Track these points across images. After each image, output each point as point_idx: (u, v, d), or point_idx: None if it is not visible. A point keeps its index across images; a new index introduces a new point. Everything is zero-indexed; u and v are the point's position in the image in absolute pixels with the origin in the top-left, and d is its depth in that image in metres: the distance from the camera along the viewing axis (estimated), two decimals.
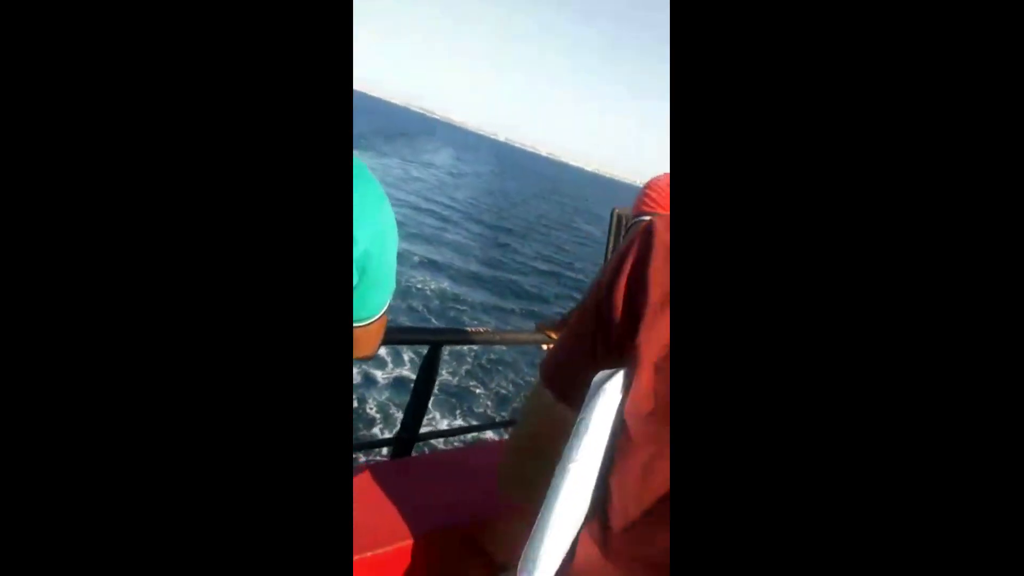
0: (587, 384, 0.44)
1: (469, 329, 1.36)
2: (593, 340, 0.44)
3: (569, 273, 12.73)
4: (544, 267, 12.71)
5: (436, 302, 7.89)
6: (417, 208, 14.06)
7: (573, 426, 0.43)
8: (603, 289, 0.43)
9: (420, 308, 7.39)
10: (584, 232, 21.76)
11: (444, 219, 14.21)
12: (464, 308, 8.08)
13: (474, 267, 10.38)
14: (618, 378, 0.39)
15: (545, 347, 1.48)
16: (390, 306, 0.76)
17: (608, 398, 0.39)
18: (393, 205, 0.72)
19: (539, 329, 1.51)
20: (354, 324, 0.72)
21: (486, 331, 1.38)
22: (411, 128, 55.39)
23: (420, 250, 9.82)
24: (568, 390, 0.47)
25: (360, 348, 0.78)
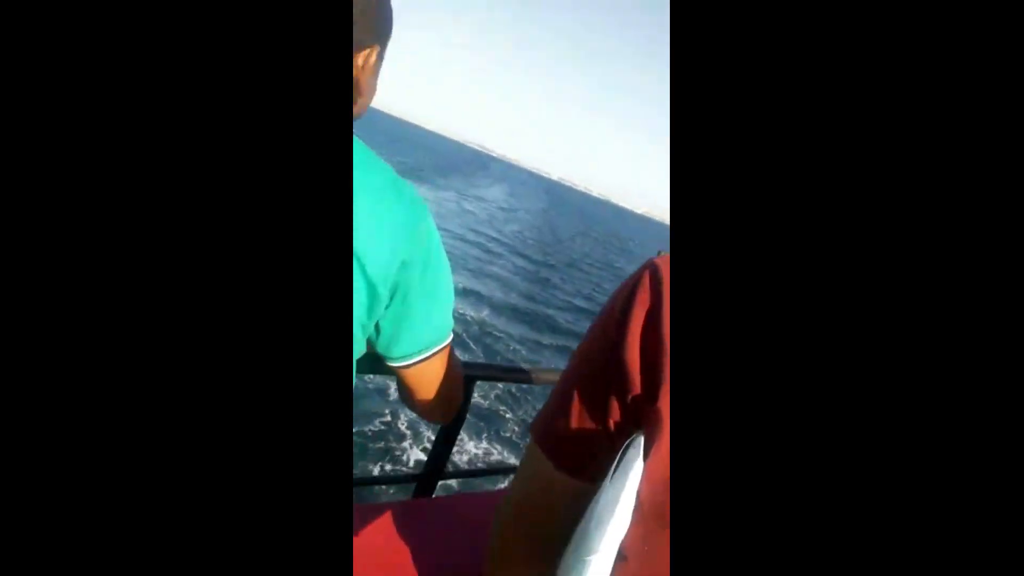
0: (594, 451, 0.37)
1: (503, 365, 1.30)
2: (604, 403, 0.37)
3: None
4: (582, 304, 12.57)
5: (475, 328, 7.90)
6: (465, 240, 14.31)
7: (573, 498, 0.36)
8: (611, 342, 0.36)
9: (460, 333, 7.42)
10: (626, 273, 21.41)
11: (490, 251, 14.37)
12: (500, 336, 8.05)
13: (514, 300, 10.38)
14: (639, 445, 0.33)
15: None
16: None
17: (636, 474, 0.33)
18: (444, 236, 0.62)
19: None
20: (400, 362, 0.60)
21: (520, 369, 1.32)
22: (467, 163, 57.06)
23: (464, 280, 9.94)
24: (570, 457, 0.39)
25: (420, 390, 0.63)
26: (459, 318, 7.90)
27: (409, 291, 0.57)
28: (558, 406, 0.41)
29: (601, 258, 24.40)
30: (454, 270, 0.64)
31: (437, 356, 0.62)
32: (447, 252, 0.63)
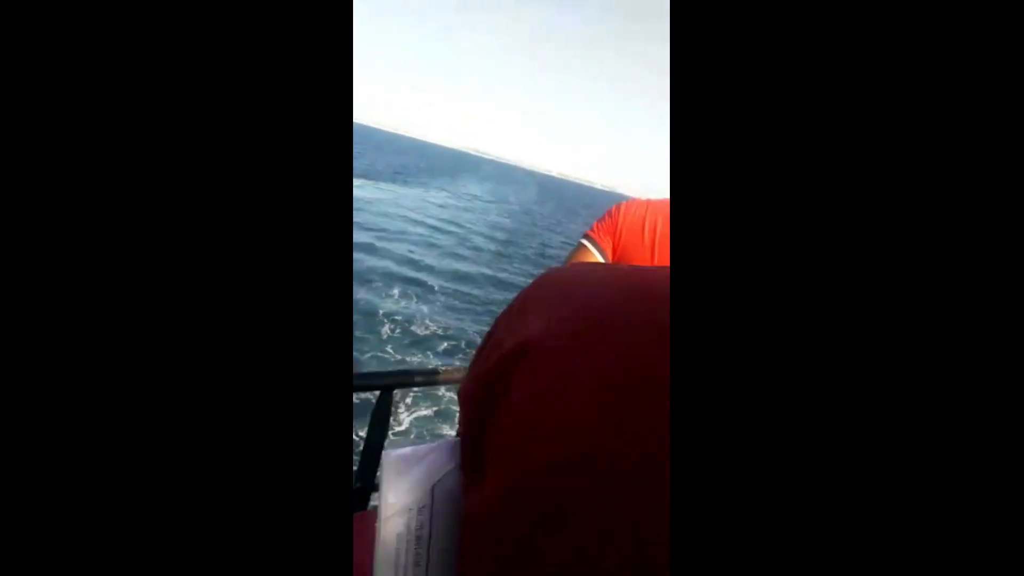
0: None
1: (433, 368, 1.08)
2: None
3: None
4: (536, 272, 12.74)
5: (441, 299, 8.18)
6: (436, 229, 14.75)
7: None
8: None
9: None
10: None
11: (461, 238, 14.75)
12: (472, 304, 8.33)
13: (476, 284, 10.68)
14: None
15: None
16: None
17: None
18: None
19: None
20: None
21: (449, 369, 1.05)
22: (460, 166, 57.01)
23: (437, 263, 10.34)
24: None
25: None
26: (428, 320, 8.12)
27: None
28: None
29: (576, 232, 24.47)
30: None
31: None
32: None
